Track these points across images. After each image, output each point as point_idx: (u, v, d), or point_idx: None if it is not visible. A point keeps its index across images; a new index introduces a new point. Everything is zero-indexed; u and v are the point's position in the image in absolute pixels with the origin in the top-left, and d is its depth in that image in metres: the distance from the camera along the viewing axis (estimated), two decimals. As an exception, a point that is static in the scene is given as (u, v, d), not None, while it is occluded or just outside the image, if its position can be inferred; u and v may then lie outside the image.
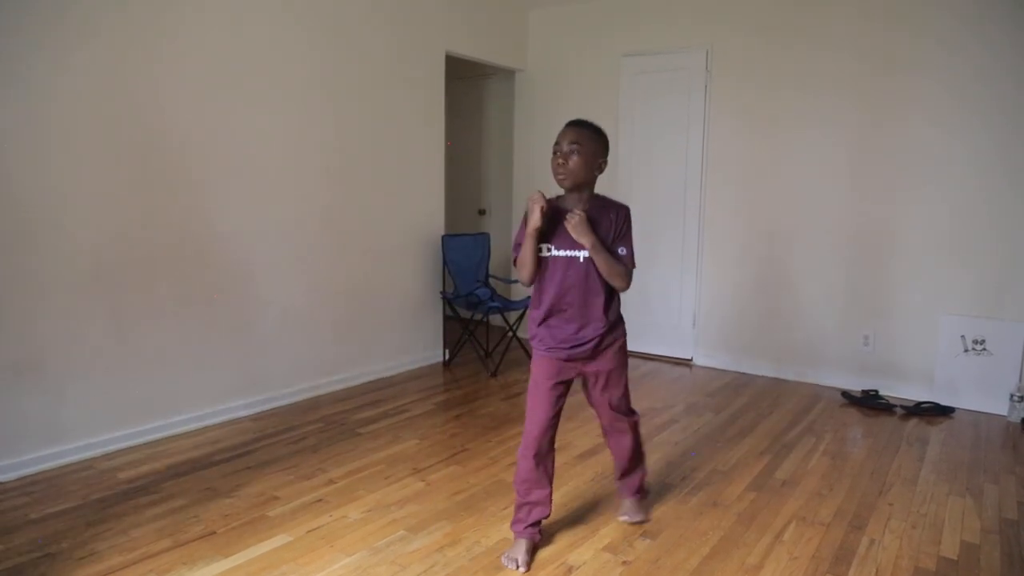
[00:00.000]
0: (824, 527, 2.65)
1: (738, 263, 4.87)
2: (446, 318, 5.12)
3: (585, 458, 3.27)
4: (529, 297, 4.97)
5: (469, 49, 5.15)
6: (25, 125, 2.85)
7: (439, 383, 4.54)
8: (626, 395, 2.50)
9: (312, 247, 4.09)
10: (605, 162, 2.30)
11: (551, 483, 2.41)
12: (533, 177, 5.76)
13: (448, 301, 4.95)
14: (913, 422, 3.91)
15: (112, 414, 3.24)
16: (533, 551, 2.40)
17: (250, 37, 3.64)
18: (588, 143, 2.23)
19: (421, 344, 4.94)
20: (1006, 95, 3.90)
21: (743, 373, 4.87)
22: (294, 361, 4.05)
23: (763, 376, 4.79)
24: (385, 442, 3.45)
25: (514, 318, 5.05)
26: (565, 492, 2.89)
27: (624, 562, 2.37)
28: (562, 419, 3.70)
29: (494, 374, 4.71)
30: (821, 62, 4.43)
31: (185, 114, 3.38)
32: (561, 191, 2.33)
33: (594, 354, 2.36)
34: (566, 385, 2.40)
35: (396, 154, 4.62)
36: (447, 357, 5.06)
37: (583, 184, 2.28)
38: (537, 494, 2.37)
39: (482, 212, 6.28)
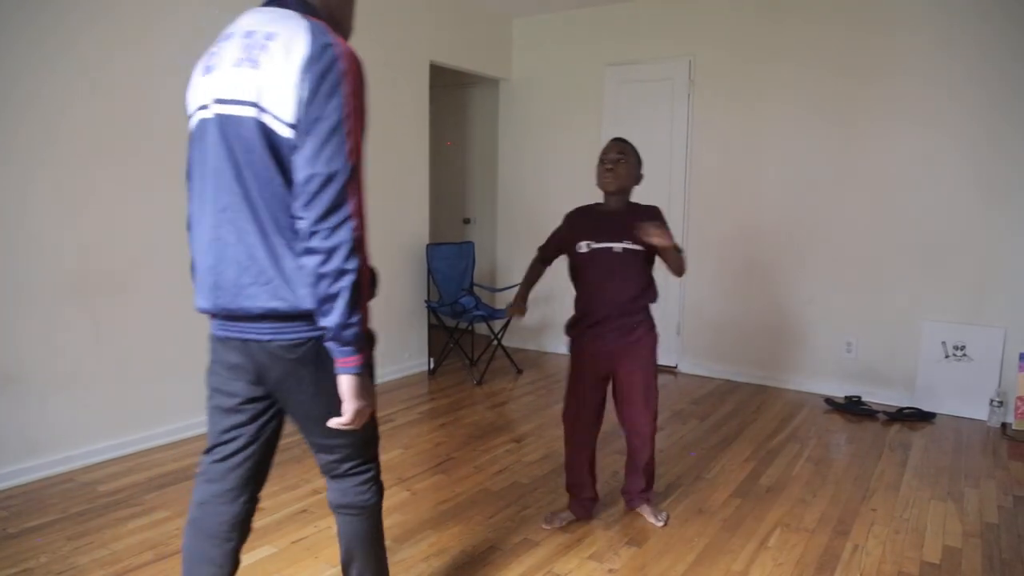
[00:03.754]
0: (808, 533, 2.66)
1: (722, 271, 4.90)
2: (431, 327, 5.11)
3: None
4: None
5: (453, 58, 5.16)
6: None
7: (424, 392, 4.53)
8: (655, 390, 2.63)
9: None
10: (642, 174, 2.58)
11: (594, 472, 2.70)
12: (519, 185, 5.77)
13: (433, 310, 4.94)
14: (895, 428, 3.94)
15: (93, 426, 3.19)
16: (576, 521, 2.70)
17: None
18: (631, 154, 2.54)
19: (406, 353, 4.93)
20: (986, 106, 3.96)
21: (728, 380, 4.89)
22: (278, 371, 4.02)
23: (747, 383, 4.82)
24: (370, 452, 3.42)
25: (499, 327, 5.05)
26: (552, 501, 2.88)
27: (610, 570, 2.37)
28: (550, 427, 3.69)
29: (479, 383, 4.70)
30: (803, 70, 4.48)
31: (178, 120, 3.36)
32: (586, 201, 2.67)
33: (628, 341, 2.53)
34: (605, 378, 2.60)
35: (380, 163, 4.60)
36: (432, 366, 5.05)
37: (627, 190, 2.56)
38: (585, 489, 2.69)
39: (467, 221, 6.28)
